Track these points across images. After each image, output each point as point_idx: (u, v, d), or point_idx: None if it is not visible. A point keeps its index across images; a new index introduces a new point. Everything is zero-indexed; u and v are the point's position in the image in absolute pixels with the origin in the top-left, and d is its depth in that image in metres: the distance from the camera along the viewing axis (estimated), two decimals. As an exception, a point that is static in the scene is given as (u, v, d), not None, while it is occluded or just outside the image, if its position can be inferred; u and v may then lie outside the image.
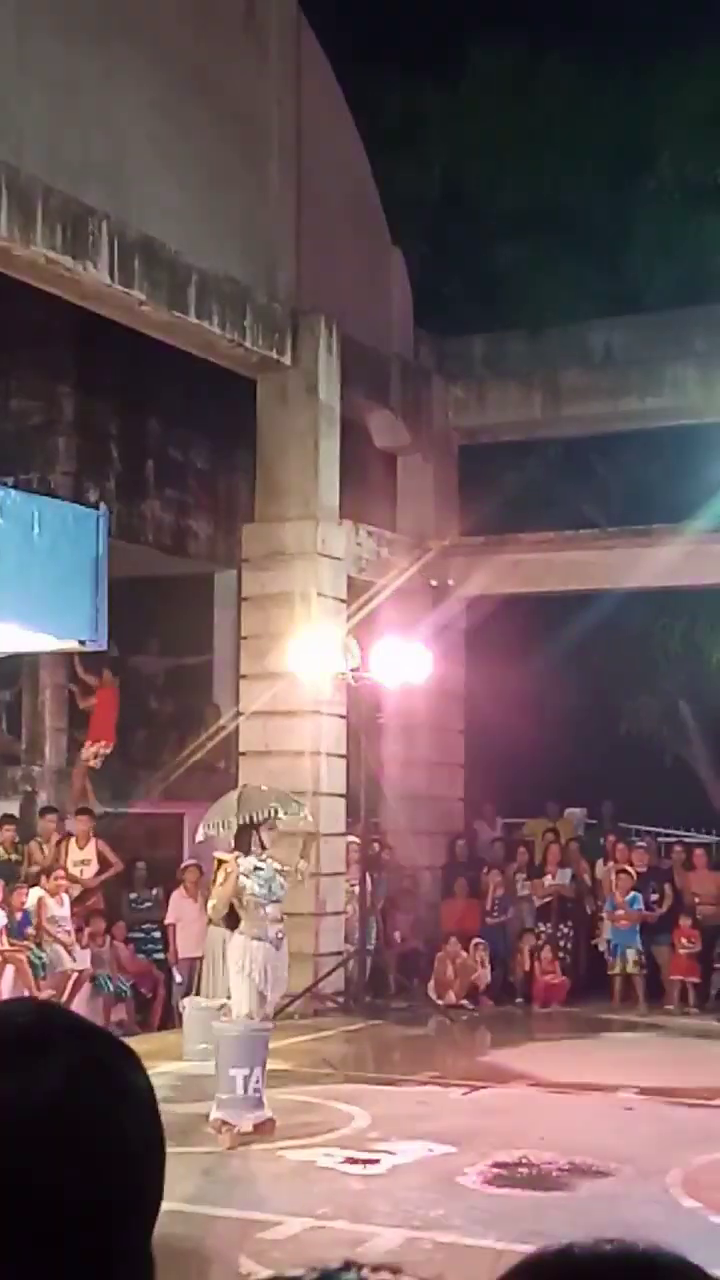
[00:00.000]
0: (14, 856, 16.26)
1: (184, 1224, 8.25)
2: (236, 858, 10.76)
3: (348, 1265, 1.22)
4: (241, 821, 10.92)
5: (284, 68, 17.65)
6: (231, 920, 10.78)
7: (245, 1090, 10.22)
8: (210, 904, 11.04)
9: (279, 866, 10.98)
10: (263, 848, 10.86)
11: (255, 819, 10.90)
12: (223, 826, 11.15)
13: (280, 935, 10.84)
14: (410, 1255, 7.76)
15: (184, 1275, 7.74)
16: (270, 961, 10.67)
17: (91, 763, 17.99)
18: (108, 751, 18.35)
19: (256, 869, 10.71)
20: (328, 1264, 1.21)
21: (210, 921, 12.15)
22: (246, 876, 10.64)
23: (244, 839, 10.87)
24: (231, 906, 10.83)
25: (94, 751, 18.15)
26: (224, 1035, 10.60)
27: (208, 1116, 10.31)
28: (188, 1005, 14.18)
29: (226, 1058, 10.41)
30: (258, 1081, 10.34)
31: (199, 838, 11.54)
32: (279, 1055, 12.88)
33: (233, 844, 11.12)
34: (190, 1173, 9.46)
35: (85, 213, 14.21)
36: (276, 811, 11.15)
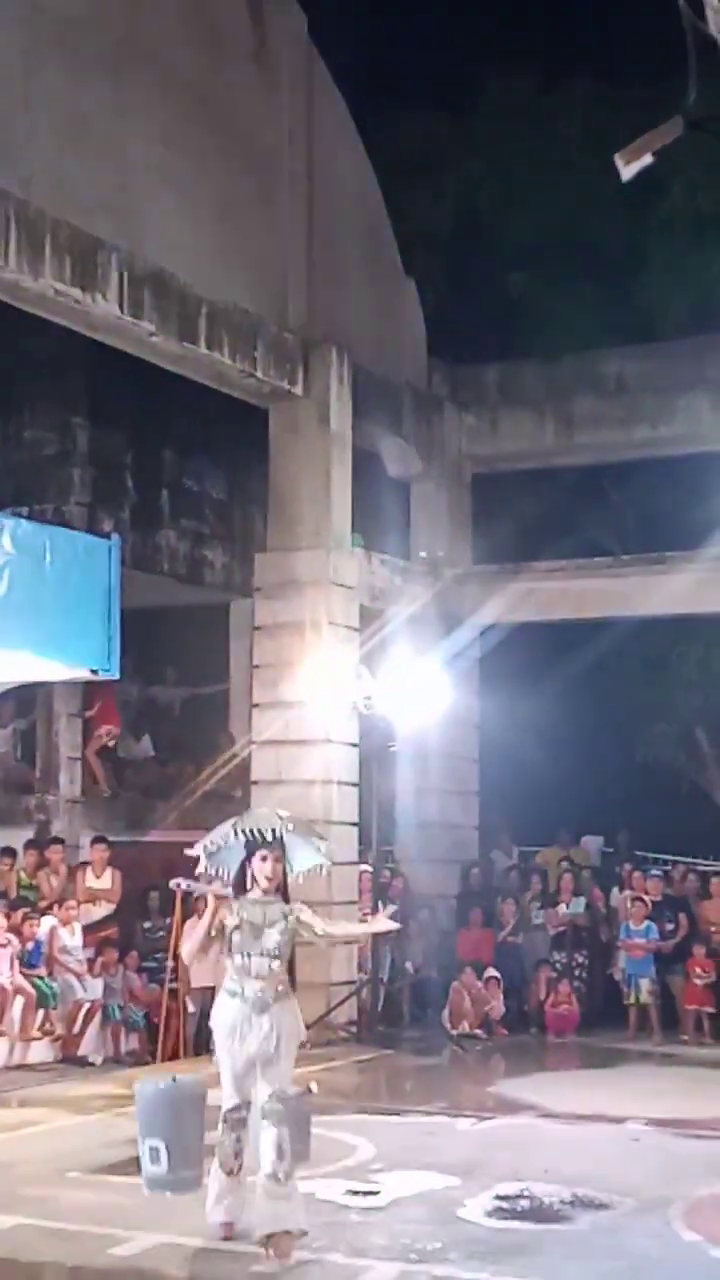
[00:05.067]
0: (30, 882, 16.31)
1: (177, 1257, 8.24)
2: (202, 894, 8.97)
3: None
4: (239, 838, 8.56)
5: (295, 99, 17.74)
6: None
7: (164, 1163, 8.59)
8: (184, 946, 9.23)
9: (286, 912, 8.53)
10: (257, 885, 8.52)
11: (251, 836, 8.51)
12: (204, 853, 8.71)
13: (263, 996, 8.40)
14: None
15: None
16: (242, 1027, 8.39)
17: (107, 742, 18.13)
18: (118, 733, 18.48)
19: (237, 912, 8.49)
20: None
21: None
22: (228, 916, 8.51)
23: (242, 877, 8.60)
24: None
25: (107, 730, 18.31)
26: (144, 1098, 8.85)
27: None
28: None
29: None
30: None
31: (198, 869, 8.95)
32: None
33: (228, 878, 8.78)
34: (189, 1205, 9.43)
35: (94, 245, 14.29)
36: (270, 835, 8.51)
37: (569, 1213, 9.35)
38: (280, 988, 8.48)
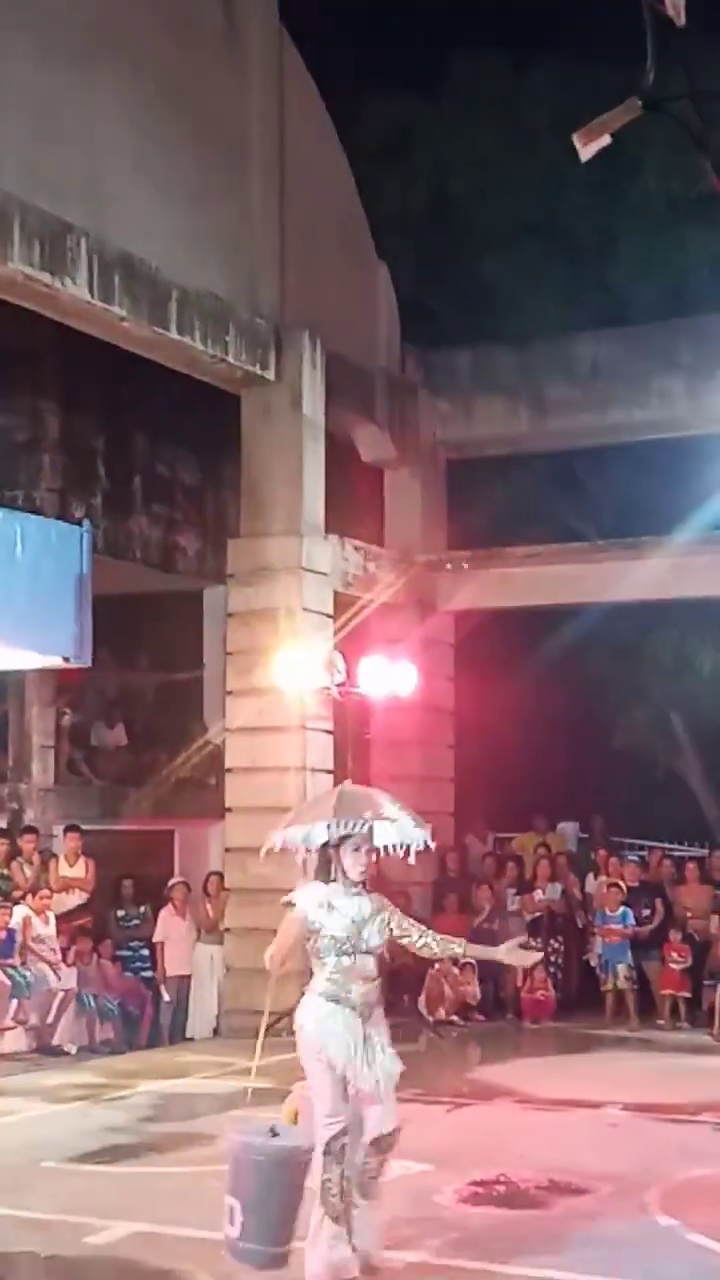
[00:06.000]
0: (4, 872, 16.24)
1: (154, 1245, 8.20)
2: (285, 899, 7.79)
3: None
4: (330, 836, 7.53)
5: (266, 83, 17.66)
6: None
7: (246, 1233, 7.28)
8: (267, 951, 7.75)
9: (376, 906, 7.67)
10: (345, 876, 7.57)
11: (338, 831, 7.50)
12: (281, 841, 7.69)
13: (369, 1000, 7.63)
14: (379, 1276, 7.69)
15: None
16: (354, 1036, 7.60)
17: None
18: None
19: (331, 905, 7.55)
20: None
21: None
22: (317, 910, 7.56)
23: (325, 863, 7.64)
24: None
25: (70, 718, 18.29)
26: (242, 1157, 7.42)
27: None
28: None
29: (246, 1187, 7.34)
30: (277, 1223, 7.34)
31: (264, 849, 7.83)
32: (262, 1073, 12.81)
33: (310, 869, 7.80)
34: (165, 1193, 9.41)
35: (64, 229, 14.20)
36: (369, 827, 7.56)
37: (545, 1198, 9.35)
38: (379, 990, 7.73)
